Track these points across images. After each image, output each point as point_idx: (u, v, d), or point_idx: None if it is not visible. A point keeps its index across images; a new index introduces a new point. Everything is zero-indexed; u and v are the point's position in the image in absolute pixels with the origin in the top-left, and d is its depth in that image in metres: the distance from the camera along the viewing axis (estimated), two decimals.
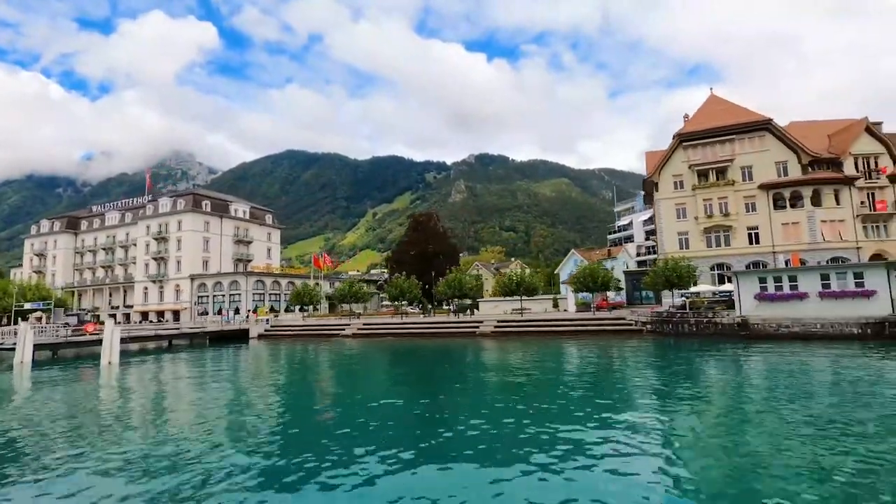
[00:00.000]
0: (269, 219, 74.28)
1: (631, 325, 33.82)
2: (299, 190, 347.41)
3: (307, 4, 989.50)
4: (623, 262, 60.49)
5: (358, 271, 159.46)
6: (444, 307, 55.40)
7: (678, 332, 30.72)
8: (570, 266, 68.36)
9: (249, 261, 67.09)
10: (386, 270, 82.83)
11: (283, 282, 62.10)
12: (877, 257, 39.17)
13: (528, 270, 77.56)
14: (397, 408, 14.37)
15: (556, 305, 47.40)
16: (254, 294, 58.39)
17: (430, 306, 50.00)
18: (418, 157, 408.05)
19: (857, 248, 39.10)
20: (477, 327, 38.07)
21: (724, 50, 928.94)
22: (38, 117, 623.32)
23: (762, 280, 28.38)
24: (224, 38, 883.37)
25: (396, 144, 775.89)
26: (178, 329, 41.50)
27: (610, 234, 78.79)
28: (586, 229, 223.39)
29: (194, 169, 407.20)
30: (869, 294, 25.20)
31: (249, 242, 68.52)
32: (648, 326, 32.52)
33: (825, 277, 26.62)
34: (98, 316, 64.86)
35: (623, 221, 75.48)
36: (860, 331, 24.95)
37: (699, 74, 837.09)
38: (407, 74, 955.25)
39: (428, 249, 69.59)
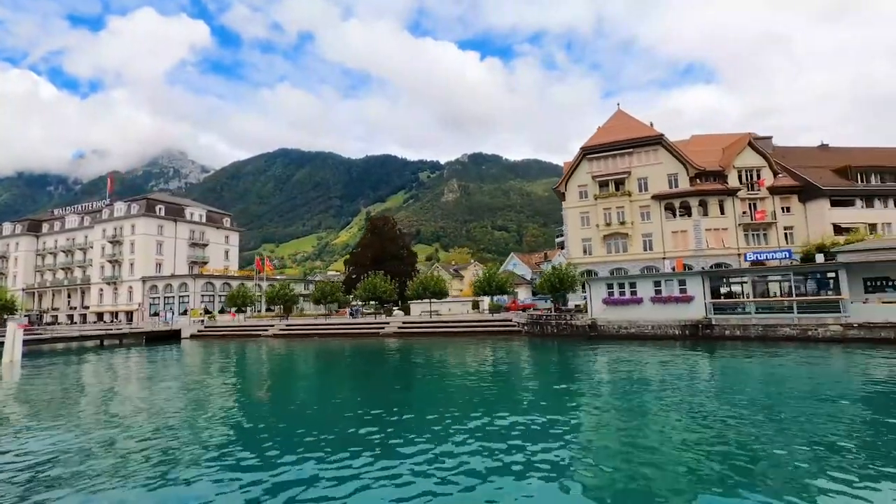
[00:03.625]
0: (226, 222, 77.26)
1: (514, 326, 36.87)
2: (293, 189, 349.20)
3: (297, 2, 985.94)
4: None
5: (337, 272, 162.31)
6: (395, 308, 58.43)
7: (544, 333, 33.77)
8: (510, 268, 71.39)
9: (205, 263, 70.09)
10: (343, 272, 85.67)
11: (235, 284, 64.98)
12: (758, 263, 42.20)
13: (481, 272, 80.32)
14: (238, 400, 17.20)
15: (475, 307, 50.42)
16: (203, 295, 61.39)
17: (357, 308, 52.95)
18: (412, 156, 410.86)
19: (739, 254, 42.07)
20: (383, 328, 41.18)
21: (716, 50, 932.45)
22: (28, 115, 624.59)
23: (609, 286, 31.40)
24: (216, 37, 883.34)
25: (390, 144, 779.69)
26: (106, 329, 44.52)
27: (558, 237, 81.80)
28: None
29: (187, 167, 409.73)
30: (689, 299, 28.22)
31: (205, 245, 71.52)
32: (525, 328, 35.56)
33: (657, 284, 29.64)
34: (56, 317, 68.09)
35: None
36: (680, 332, 27.99)
37: (692, 74, 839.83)
38: (399, 74, 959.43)
39: (384, 252, 72.66)
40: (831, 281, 24.83)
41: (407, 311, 51.63)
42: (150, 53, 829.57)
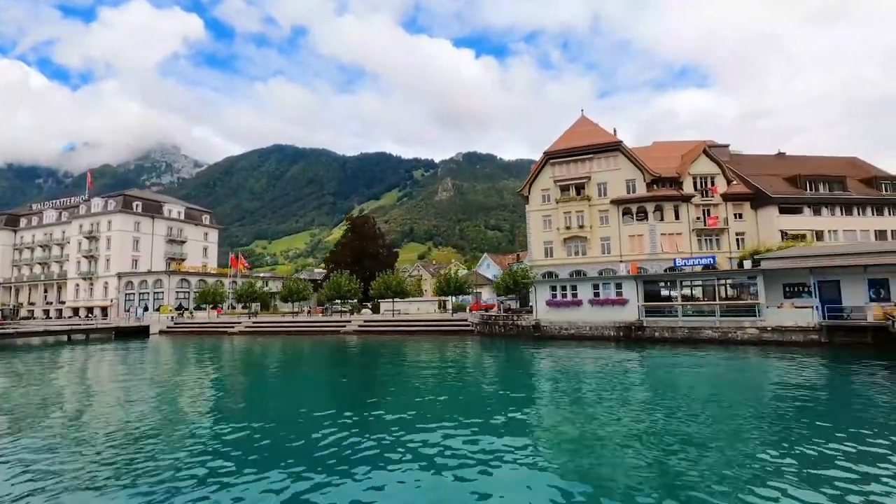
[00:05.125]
0: (206, 219, 77.90)
1: (469, 326, 38.03)
2: (286, 185, 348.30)
3: None
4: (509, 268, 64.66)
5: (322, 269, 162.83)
6: (366, 307, 59.47)
7: (493, 333, 34.95)
8: (483, 268, 72.56)
9: (183, 260, 70.79)
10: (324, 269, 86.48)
11: (211, 280, 65.73)
12: (709, 268, 43.49)
13: (460, 270, 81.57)
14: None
15: (442, 307, 51.51)
16: (178, 292, 62.15)
17: (325, 305, 53.92)
18: (407, 153, 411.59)
19: (691, 258, 43.32)
20: (344, 326, 42.25)
21: (712, 52, 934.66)
22: (18, 106, 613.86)
23: (553, 288, 32.57)
24: (211, 30, 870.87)
25: (385, 141, 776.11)
26: (73, 325, 45.27)
27: None
28: None
29: (179, 162, 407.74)
30: (624, 302, 29.43)
31: (183, 242, 72.17)
32: (478, 328, 36.71)
33: (596, 287, 30.83)
34: (32, 311, 68.62)
35: None
36: (615, 333, 29.21)
37: (687, 76, 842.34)
38: (394, 70, 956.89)
39: (363, 251, 73.64)
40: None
41: (377, 310, 52.73)
42: (142, 46, 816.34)
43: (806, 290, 25.39)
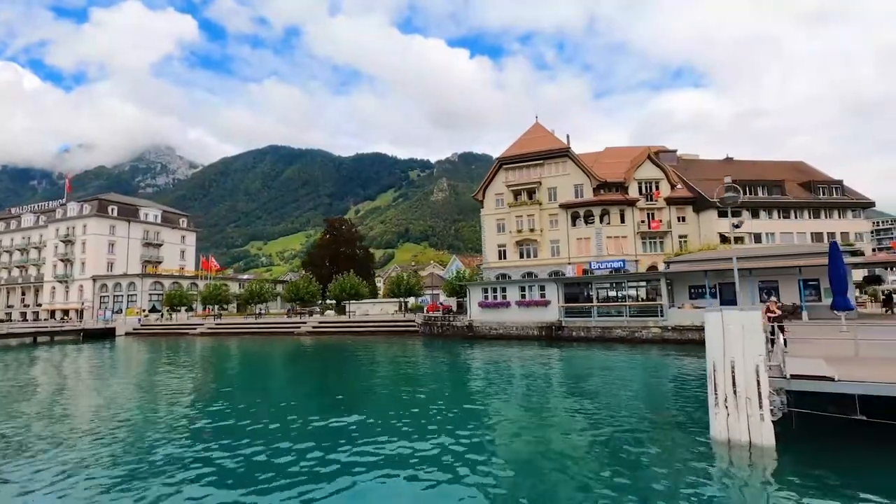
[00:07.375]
0: (183, 222, 79.41)
1: (415, 326, 39.56)
2: (282, 186, 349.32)
3: None
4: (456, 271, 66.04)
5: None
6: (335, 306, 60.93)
7: (433, 333, 36.47)
8: (451, 271, 74.06)
9: (159, 262, 72.31)
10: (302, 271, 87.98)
11: (185, 283, 67.27)
12: (653, 269, 45.03)
13: (417, 272, 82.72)
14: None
15: (402, 308, 53.00)
16: (151, 294, 63.67)
17: (290, 308, 55.47)
18: (402, 154, 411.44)
19: (636, 260, 44.90)
20: (298, 328, 43.80)
21: (708, 52, 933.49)
22: (11, 107, 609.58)
23: (485, 290, 34.11)
24: (205, 31, 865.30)
25: (381, 142, 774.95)
26: (39, 327, 46.81)
27: None
28: None
29: (175, 163, 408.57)
30: (546, 303, 30.95)
31: (159, 245, 73.70)
32: (421, 328, 38.24)
33: (523, 289, 32.36)
34: (10, 314, 70.15)
35: None
36: (538, 332, 30.72)
37: (683, 77, 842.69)
38: (389, 70, 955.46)
39: (339, 253, 75.17)
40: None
41: (343, 311, 54.28)
42: (136, 47, 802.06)
43: (706, 291, 26.92)
